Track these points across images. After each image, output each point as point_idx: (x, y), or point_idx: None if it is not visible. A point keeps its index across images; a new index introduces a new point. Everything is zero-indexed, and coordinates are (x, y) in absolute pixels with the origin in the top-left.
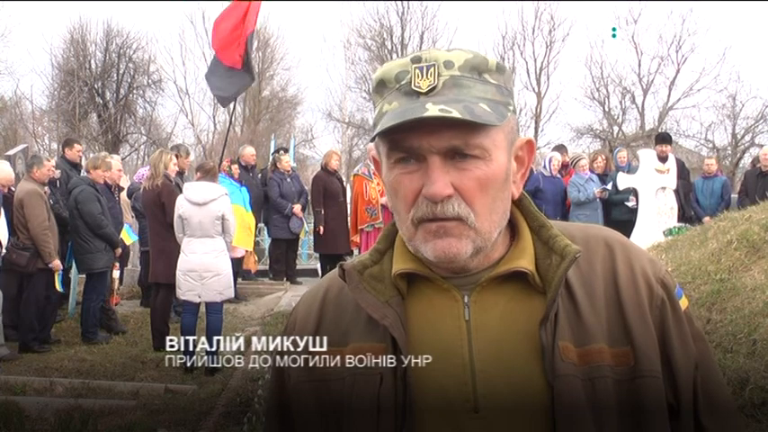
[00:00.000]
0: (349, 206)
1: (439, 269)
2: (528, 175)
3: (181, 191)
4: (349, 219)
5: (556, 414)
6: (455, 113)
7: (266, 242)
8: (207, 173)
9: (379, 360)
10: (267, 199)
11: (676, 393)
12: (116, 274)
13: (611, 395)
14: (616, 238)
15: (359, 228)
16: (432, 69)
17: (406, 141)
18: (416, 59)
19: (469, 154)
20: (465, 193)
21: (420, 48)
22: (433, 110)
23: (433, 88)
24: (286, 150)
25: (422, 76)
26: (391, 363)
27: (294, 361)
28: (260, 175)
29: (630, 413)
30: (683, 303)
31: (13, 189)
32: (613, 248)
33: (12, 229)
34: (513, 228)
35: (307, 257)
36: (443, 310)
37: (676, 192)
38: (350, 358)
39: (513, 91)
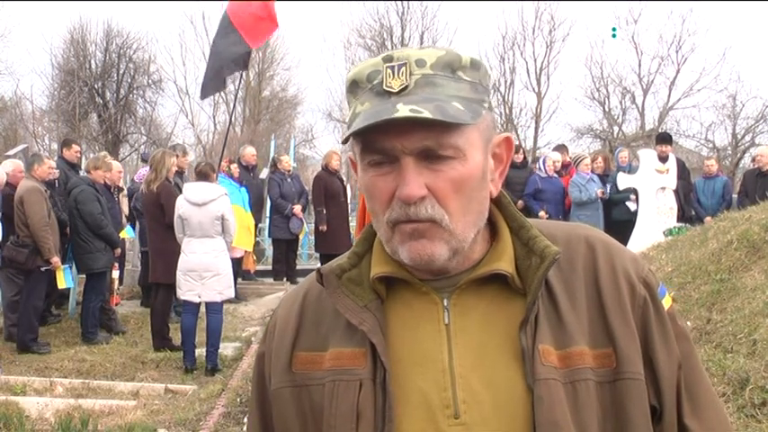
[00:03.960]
0: (350, 206)
1: (418, 272)
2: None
3: (181, 191)
4: (351, 218)
5: (536, 418)
6: (426, 113)
7: (267, 242)
8: (202, 176)
9: (359, 366)
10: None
11: (659, 394)
12: (115, 274)
13: (593, 398)
14: (598, 237)
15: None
16: (403, 68)
17: (378, 143)
18: (388, 59)
19: (443, 154)
20: (439, 194)
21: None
22: (403, 110)
23: (405, 88)
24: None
25: (393, 76)
26: (370, 369)
27: (274, 365)
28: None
29: (613, 416)
30: (667, 302)
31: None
32: (595, 248)
33: (10, 228)
34: (492, 227)
35: (307, 257)
36: (423, 313)
37: (676, 192)
38: (330, 363)
39: (490, 86)
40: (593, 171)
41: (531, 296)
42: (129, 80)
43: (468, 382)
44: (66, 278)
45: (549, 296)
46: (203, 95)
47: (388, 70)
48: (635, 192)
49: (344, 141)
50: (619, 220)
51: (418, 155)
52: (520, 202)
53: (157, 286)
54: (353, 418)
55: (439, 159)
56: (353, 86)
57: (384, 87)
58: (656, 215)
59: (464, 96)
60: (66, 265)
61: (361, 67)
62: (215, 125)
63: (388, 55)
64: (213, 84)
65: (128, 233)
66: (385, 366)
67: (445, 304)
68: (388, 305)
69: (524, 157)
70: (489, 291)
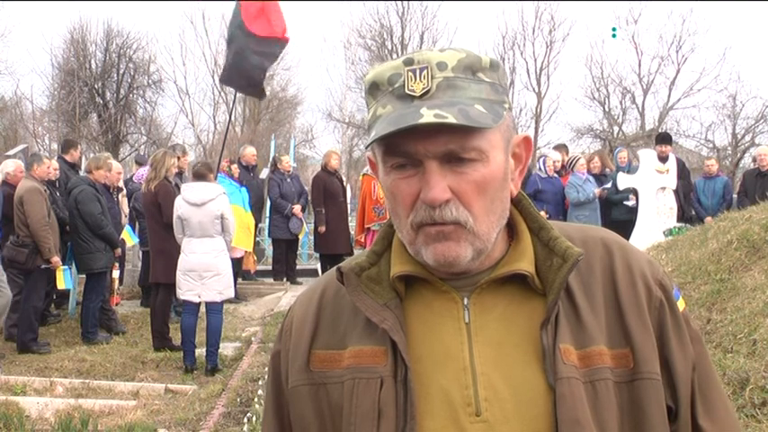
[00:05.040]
0: (350, 206)
1: (438, 271)
2: (526, 177)
3: (180, 191)
4: (350, 219)
5: (558, 417)
6: (450, 118)
7: (267, 242)
8: (199, 177)
9: (379, 364)
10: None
11: (674, 395)
12: (115, 274)
13: (612, 397)
14: (614, 239)
15: (366, 226)
16: (425, 72)
17: (401, 146)
18: (409, 62)
19: (466, 157)
20: (463, 197)
21: (420, 48)
22: (428, 115)
23: (427, 91)
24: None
25: (415, 79)
26: (391, 366)
27: (291, 364)
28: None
29: (630, 415)
30: (681, 305)
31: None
32: (611, 249)
33: (10, 228)
34: (510, 227)
35: (307, 257)
36: (443, 312)
37: (676, 192)
38: (349, 361)
39: (508, 86)
40: (590, 171)
41: (553, 296)
42: (129, 80)
43: (490, 379)
44: (65, 279)
45: (568, 296)
46: (226, 81)
47: (410, 73)
48: (635, 192)
49: (368, 146)
50: (618, 220)
51: (441, 158)
52: None
53: (157, 286)
54: (375, 415)
55: (462, 162)
56: (373, 89)
57: (406, 91)
58: (655, 215)
59: (485, 98)
60: (66, 266)
61: (382, 70)
62: (215, 125)
63: (409, 58)
64: (238, 79)
65: (130, 235)
66: (406, 364)
67: (465, 303)
68: (407, 303)
69: None
70: (509, 290)
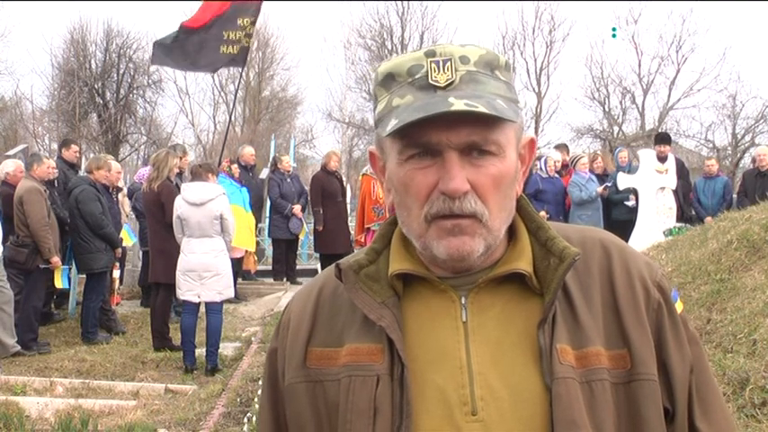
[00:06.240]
0: (349, 206)
1: (437, 269)
2: (527, 177)
3: (180, 191)
4: (350, 218)
5: (554, 417)
6: (481, 108)
7: (266, 242)
8: (196, 177)
9: (376, 361)
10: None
11: (671, 397)
12: (116, 274)
13: (609, 398)
14: (612, 240)
15: (365, 226)
16: (448, 64)
17: (423, 136)
18: (431, 53)
19: (486, 150)
20: (480, 190)
21: (420, 48)
22: (458, 104)
23: (451, 83)
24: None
25: (439, 71)
26: (388, 364)
27: (288, 361)
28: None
29: (627, 416)
30: (679, 307)
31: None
32: (610, 251)
33: (10, 228)
34: (509, 227)
35: (307, 257)
36: (440, 311)
37: (675, 192)
38: (346, 359)
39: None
40: (593, 171)
41: (551, 296)
42: (129, 80)
43: (486, 379)
44: (63, 279)
45: (566, 297)
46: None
47: (433, 65)
48: (634, 192)
49: (388, 133)
50: (619, 219)
51: (462, 149)
52: None
53: (157, 286)
54: (371, 413)
55: (481, 155)
56: (388, 80)
57: (430, 81)
58: (655, 215)
59: (503, 95)
60: (65, 266)
61: (400, 61)
62: (215, 125)
63: (431, 50)
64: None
65: (129, 237)
66: (403, 362)
67: (463, 302)
68: (404, 302)
69: None
70: (506, 290)
